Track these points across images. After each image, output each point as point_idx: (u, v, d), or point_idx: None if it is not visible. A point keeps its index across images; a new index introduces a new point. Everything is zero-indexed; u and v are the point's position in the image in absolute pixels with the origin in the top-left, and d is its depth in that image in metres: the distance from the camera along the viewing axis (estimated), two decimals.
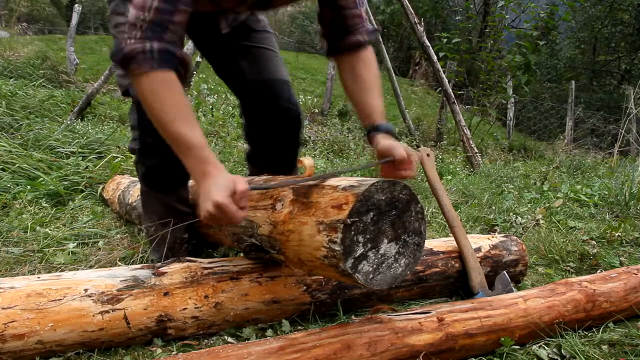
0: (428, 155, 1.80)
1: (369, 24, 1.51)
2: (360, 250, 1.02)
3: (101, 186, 2.71)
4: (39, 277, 1.24)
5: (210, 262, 1.42)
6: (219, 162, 1.15)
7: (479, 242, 1.80)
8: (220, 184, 1.09)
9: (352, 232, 1.01)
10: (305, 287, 1.44)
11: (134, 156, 1.80)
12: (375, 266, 1.05)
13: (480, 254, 1.75)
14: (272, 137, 1.81)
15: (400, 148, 1.30)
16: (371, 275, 1.04)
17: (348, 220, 1.00)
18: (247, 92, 1.80)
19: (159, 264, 1.40)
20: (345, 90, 1.51)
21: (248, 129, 1.90)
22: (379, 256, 1.05)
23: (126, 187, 2.36)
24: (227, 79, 1.84)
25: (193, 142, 1.15)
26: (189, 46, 4.25)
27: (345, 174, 1.25)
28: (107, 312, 1.21)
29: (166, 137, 1.19)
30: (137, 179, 2.55)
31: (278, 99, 1.75)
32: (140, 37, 1.18)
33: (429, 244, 1.72)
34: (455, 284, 1.71)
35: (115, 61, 1.23)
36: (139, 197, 2.11)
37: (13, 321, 1.12)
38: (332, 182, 1.12)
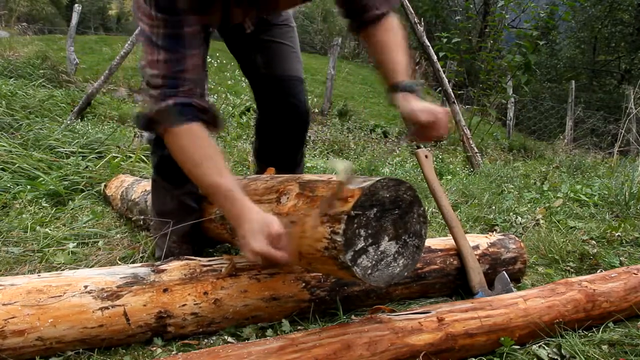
0: (426, 156, 1.80)
1: None
2: (361, 244, 1.03)
3: (103, 184, 2.71)
4: (39, 275, 1.25)
5: (209, 260, 1.42)
6: (250, 203, 1.17)
7: (477, 240, 1.80)
8: (254, 229, 1.10)
9: (355, 225, 1.02)
10: (304, 284, 1.44)
11: (139, 152, 1.83)
12: (374, 262, 1.05)
13: (479, 252, 1.75)
14: (276, 133, 1.84)
15: (423, 112, 1.27)
16: (369, 271, 1.05)
17: (352, 212, 1.01)
18: (259, 87, 1.83)
19: (158, 262, 1.41)
20: (372, 60, 1.47)
21: (258, 124, 1.93)
22: (379, 253, 1.06)
23: (130, 184, 2.38)
24: (245, 72, 1.87)
25: (222, 188, 1.18)
26: None
27: None
28: (106, 308, 1.21)
29: (199, 186, 1.24)
30: (141, 178, 2.58)
31: (287, 95, 1.77)
32: (158, 95, 1.22)
33: (427, 242, 1.72)
34: (454, 282, 1.71)
35: (140, 128, 1.28)
36: (143, 193, 2.12)
37: (13, 317, 1.12)
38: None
